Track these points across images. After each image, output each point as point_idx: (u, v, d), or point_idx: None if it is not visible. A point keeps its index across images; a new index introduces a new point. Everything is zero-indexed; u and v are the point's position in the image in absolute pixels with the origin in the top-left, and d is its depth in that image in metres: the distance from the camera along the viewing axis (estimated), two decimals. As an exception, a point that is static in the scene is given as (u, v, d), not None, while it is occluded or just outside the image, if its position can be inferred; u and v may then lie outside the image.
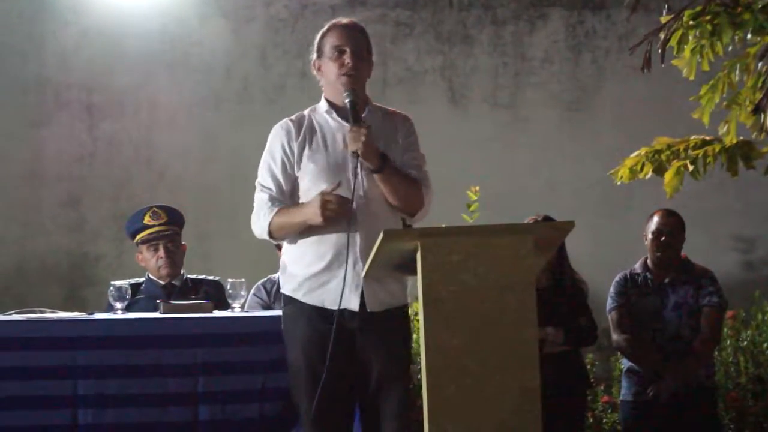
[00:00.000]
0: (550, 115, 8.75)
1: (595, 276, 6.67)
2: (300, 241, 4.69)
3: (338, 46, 4.69)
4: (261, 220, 4.72)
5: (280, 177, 4.71)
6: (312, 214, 4.57)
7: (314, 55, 4.78)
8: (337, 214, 4.55)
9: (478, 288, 4.21)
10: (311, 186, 4.67)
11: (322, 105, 4.78)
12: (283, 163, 4.71)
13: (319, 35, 4.77)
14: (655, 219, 6.36)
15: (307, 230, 4.66)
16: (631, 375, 6.34)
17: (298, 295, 4.69)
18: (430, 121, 8.47)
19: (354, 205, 4.58)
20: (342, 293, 4.55)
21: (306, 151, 4.69)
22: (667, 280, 6.32)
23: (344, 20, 4.80)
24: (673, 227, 6.34)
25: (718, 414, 6.93)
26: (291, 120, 4.77)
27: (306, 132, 4.72)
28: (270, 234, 4.71)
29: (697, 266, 6.40)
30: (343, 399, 4.64)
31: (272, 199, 4.71)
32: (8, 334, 4.91)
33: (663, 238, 6.31)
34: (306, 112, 4.80)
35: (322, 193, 4.57)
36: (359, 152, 4.54)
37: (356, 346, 4.63)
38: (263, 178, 4.76)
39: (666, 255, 6.31)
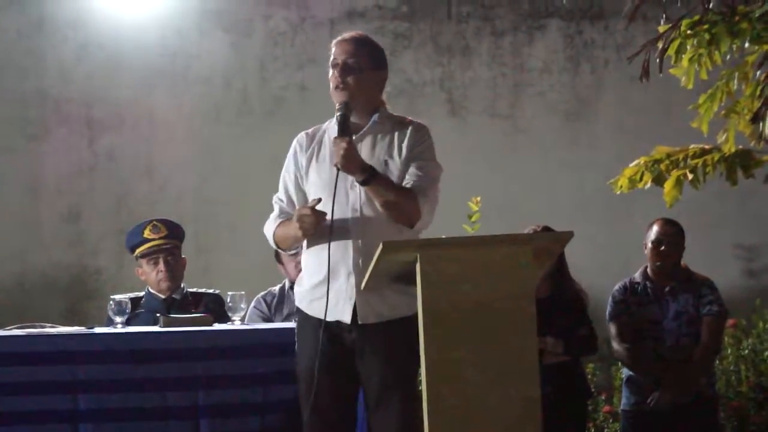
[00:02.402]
0: (549, 125, 8.75)
1: (595, 285, 6.67)
2: (306, 253, 4.77)
3: (332, 60, 4.75)
4: (268, 231, 4.83)
5: (291, 189, 4.80)
6: (294, 228, 4.65)
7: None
8: (313, 226, 4.58)
9: (478, 298, 4.21)
10: (315, 198, 4.69)
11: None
12: (294, 176, 4.80)
13: None
14: (655, 228, 6.35)
15: (311, 242, 4.71)
16: (631, 384, 6.33)
17: (303, 306, 4.76)
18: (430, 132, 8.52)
19: (350, 215, 4.61)
20: (326, 305, 4.58)
21: (313, 164, 4.76)
22: (667, 289, 6.31)
23: (347, 35, 4.84)
24: (672, 236, 6.33)
25: (720, 423, 6.91)
26: (306, 133, 4.84)
27: (315, 145, 4.78)
28: (276, 244, 4.84)
29: (697, 275, 6.39)
30: (342, 412, 4.64)
31: (281, 211, 4.81)
32: (8, 348, 4.91)
33: (663, 248, 6.31)
34: (325, 124, 4.84)
35: (298, 209, 4.66)
36: (338, 165, 4.56)
37: (355, 358, 4.63)
38: (279, 190, 4.86)
39: (666, 264, 6.31)
